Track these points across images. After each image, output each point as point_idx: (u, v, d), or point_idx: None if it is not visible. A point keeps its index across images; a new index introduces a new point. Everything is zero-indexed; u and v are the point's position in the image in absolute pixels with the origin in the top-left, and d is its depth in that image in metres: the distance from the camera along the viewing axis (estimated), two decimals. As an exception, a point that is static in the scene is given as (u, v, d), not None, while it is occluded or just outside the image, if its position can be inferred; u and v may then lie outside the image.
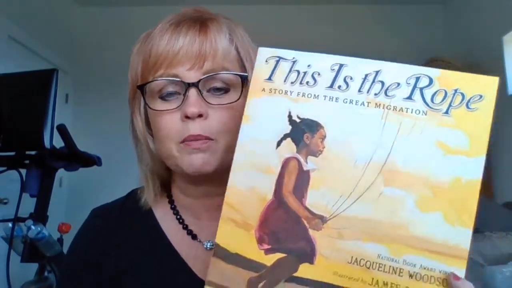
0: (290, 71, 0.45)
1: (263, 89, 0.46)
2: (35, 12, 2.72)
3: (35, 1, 2.68)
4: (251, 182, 0.44)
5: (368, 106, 0.42)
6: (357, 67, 0.44)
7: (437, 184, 0.39)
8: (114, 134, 2.06)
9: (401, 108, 0.41)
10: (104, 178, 2.40)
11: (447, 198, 0.39)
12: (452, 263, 0.38)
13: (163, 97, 0.55)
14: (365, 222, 0.40)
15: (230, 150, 0.53)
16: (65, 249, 1.19)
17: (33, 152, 1.26)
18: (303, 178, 0.43)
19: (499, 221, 2.62)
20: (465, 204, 0.39)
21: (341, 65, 0.44)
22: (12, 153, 1.21)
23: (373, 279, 0.39)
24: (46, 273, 1.21)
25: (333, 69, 0.44)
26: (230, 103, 0.54)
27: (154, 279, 0.57)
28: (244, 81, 0.55)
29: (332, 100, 0.43)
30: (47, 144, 1.10)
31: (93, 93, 3.07)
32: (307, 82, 0.44)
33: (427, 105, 0.41)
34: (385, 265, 0.39)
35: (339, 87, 0.44)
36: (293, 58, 0.46)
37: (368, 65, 0.44)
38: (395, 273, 0.39)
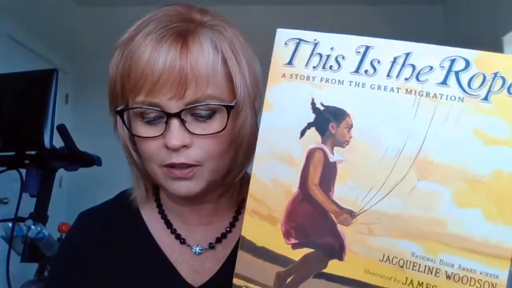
0: (311, 54, 0.41)
1: (283, 75, 0.42)
2: (35, 12, 2.71)
3: (35, 1, 2.68)
4: (274, 173, 0.41)
5: (398, 92, 0.39)
6: (385, 49, 0.40)
7: (475, 177, 0.36)
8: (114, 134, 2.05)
9: (435, 94, 0.38)
10: (104, 178, 2.39)
11: (487, 192, 0.35)
12: (494, 264, 0.35)
13: (145, 119, 0.51)
14: (397, 217, 0.37)
15: (216, 172, 0.53)
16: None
17: (33, 152, 1.25)
18: (329, 170, 0.40)
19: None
20: (507, 199, 0.35)
21: (367, 47, 0.40)
22: (12, 153, 1.21)
23: (407, 278, 0.36)
24: (46, 273, 1.21)
25: (359, 52, 0.40)
26: (215, 133, 0.51)
27: (142, 285, 0.55)
28: (231, 107, 0.51)
29: (358, 86, 0.40)
30: (47, 144, 1.10)
31: (93, 93, 3.05)
32: (331, 67, 0.41)
33: (464, 90, 0.37)
34: (420, 264, 0.36)
35: (366, 71, 0.40)
36: (315, 40, 0.42)
37: (398, 47, 0.40)
38: (431, 273, 0.36)
